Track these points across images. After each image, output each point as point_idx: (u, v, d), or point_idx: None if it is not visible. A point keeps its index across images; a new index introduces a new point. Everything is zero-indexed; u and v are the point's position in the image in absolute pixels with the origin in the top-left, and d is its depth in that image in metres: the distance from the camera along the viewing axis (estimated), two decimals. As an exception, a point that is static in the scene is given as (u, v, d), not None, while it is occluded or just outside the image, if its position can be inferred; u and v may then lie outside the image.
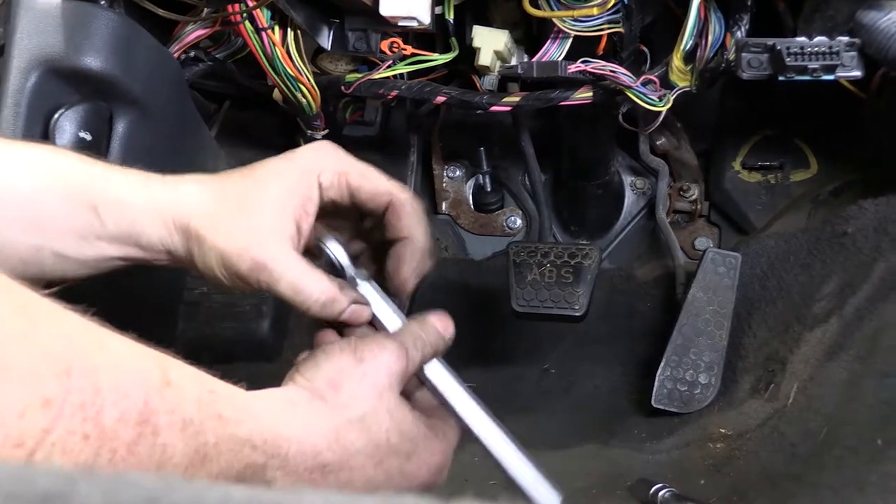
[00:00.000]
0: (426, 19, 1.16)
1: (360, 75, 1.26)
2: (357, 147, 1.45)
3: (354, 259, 0.82)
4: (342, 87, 1.26)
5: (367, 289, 0.79)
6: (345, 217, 0.84)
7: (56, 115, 1.08)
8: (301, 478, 0.64)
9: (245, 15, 1.17)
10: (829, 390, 1.01)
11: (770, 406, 1.10)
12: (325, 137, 1.38)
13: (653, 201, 1.55)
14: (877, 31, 1.05)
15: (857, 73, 1.08)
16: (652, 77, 1.17)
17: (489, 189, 1.63)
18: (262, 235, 0.74)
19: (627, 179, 1.62)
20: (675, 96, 1.17)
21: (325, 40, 1.24)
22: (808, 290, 1.19)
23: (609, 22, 1.14)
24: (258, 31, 1.18)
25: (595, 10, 1.12)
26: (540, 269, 1.24)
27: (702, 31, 1.15)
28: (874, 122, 1.33)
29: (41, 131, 1.07)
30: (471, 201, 1.65)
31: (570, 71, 1.17)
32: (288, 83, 1.24)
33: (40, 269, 0.73)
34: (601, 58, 1.16)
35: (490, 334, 1.47)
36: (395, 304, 0.80)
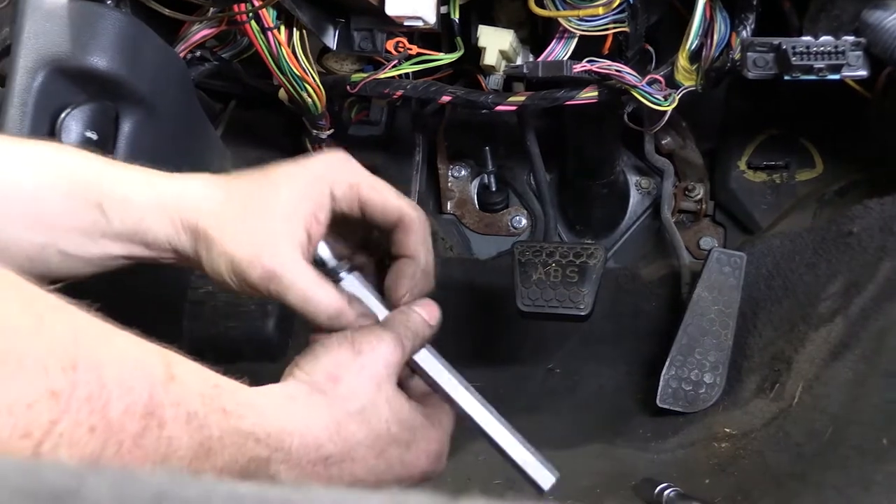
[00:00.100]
0: (431, 19, 1.16)
1: (365, 75, 1.26)
2: (362, 146, 1.47)
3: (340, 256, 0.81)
4: (347, 87, 1.26)
5: (352, 280, 0.79)
6: (351, 228, 0.82)
7: (62, 115, 1.08)
8: (304, 470, 0.64)
9: (251, 15, 1.17)
10: (835, 390, 1.01)
11: (775, 406, 1.10)
12: (330, 137, 1.38)
13: (658, 201, 1.55)
14: (882, 30, 1.05)
15: (863, 73, 1.08)
16: (657, 76, 1.17)
17: (494, 188, 1.63)
18: (273, 242, 0.73)
19: (632, 179, 1.62)
20: (680, 96, 1.17)
21: (331, 40, 1.24)
22: (813, 290, 1.19)
23: (614, 21, 1.14)
24: (264, 30, 1.18)
25: (600, 10, 1.12)
26: (545, 268, 1.24)
27: (707, 31, 1.14)
28: (880, 122, 1.33)
29: (47, 131, 1.07)
30: (476, 201, 1.65)
31: (575, 70, 1.17)
32: (293, 83, 1.24)
33: (46, 267, 0.73)
34: (606, 57, 1.16)
35: (495, 334, 1.47)
36: (378, 295, 0.79)
